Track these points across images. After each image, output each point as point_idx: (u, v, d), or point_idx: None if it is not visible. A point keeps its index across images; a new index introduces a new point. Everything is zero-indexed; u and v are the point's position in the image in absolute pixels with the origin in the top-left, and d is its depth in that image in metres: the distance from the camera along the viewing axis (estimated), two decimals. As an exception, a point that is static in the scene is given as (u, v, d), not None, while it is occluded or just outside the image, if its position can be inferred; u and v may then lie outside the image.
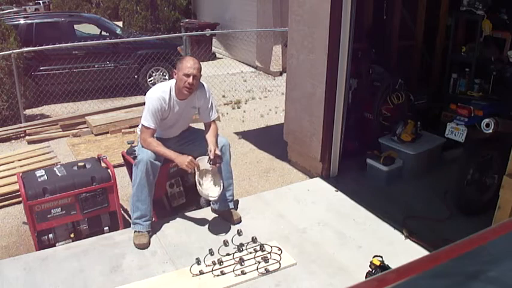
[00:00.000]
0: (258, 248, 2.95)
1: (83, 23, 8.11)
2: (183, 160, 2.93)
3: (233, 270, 2.73)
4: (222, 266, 2.76)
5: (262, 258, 2.84)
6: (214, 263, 2.78)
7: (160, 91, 2.98)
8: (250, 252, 2.91)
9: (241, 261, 2.81)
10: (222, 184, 3.06)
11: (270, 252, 2.90)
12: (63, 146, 5.17)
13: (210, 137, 3.10)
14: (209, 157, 2.98)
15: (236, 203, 3.45)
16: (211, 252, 2.91)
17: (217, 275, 2.70)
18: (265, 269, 2.74)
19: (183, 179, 3.48)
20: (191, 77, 2.91)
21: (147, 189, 2.99)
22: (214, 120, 3.21)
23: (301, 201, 3.63)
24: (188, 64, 2.92)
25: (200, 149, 3.12)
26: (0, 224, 3.56)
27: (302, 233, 3.18)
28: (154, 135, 3.03)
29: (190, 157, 2.95)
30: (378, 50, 4.59)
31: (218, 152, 3.01)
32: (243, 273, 2.71)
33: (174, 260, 2.88)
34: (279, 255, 2.88)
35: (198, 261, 2.81)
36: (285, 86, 4.48)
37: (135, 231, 3.07)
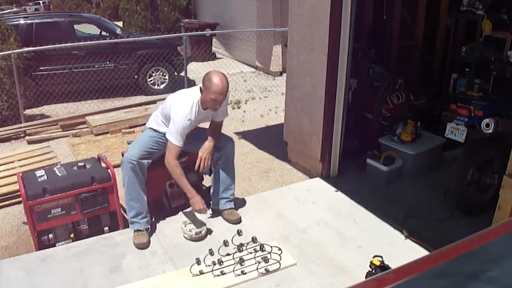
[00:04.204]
0: (258, 248, 2.95)
1: (83, 23, 8.11)
2: (197, 202, 3.01)
3: (233, 270, 2.73)
4: (222, 266, 2.76)
5: (262, 258, 2.84)
6: (214, 263, 2.78)
7: (190, 104, 2.93)
8: (250, 252, 2.91)
9: (241, 261, 2.81)
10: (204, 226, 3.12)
11: (270, 252, 2.90)
12: (63, 146, 5.17)
13: (210, 132, 3.13)
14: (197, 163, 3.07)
15: (236, 203, 3.45)
16: (211, 252, 2.91)
17: (217, 275, 2.70)
18: (265, 269, 2.75)
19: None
20: (219, 102, 2.93)
21: (138, 186, 3.00)
22: None
23: (301, 201, 3.63)
24: (217, 89, 2.85)
25: (199, 147, 3.14)
26: (0, 224, 3.56)
27: (302, 233, 3.18)
28: (165, 131, 3.03)
29: (203, 202, 3.03)
30: (377, 50, 4.59)
31: (205, 163, 3.08)
32: (243, 273, 2.71)
33: (174, 260, 2.88)
34: (279, 255, 2.88)
35: (198, 261, 2.81)
36: (285, 86, 4.48)
37: (134, 231, 3.07)
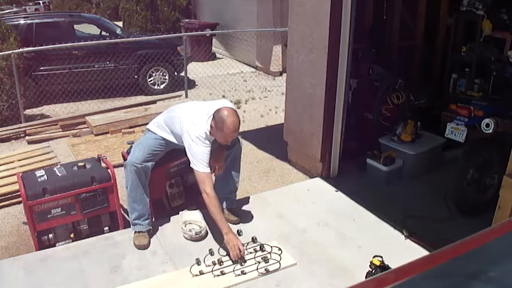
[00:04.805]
0: (258, 248, 2.95)
1: (83, 23, 8.11)
2: (232, 239, 2.77)
3: (233, 271, 2.73)
4: (222, 266, 2.76)
5: (262, 258, 2.84)
6: (214, 263, 2.78)
7: (203, 135, 2.79)
8: (251, 253, 2.91)
9: (241, 261, 2.80)
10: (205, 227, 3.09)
11: (270, 252, 2.90)
12: (63, 146, 5.17)
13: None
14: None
15: (236, 203, 3.45)
16: (211, 252, 2.90)
17: (217, 275, 2.69)
18: (265, 269, 2.74)
19: (183, 179, 3.48)
20: (230, 140, 2.91)
21: (141, 189, 2.99)
22: None
23: (301, 201, 3.63)
24: (229, 131, 2.77)
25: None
26: (0, 224, 3.56)
27: (302, 233, 3.18)
28: (169, 139, 3.00)
29: (240, 242, 2.80)
30: (377, 50, 4.59)
31: (220, 168, 3.04)
32: (243, 273, 2.71)
33: (174, 260, 2.88)
34: (279, 255, 2.88)
35: (198, 262, 2.81)
36: (285, 86, 4.48)
37: (135, 232, 3.07)
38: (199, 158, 2.78)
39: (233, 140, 3.18)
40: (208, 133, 2.82)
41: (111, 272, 2.77)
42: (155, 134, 3.07)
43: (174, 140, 3.03)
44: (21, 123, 5.59)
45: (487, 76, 4.44)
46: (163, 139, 3.05)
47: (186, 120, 2.86)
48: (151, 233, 3.13)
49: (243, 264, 2.79)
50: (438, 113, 4.39)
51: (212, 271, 2.72)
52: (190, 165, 2.84)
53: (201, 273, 2.71)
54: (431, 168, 4.09)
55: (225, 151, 3.09)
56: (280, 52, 8.46)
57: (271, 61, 8.62)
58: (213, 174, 3.08)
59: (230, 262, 2.81)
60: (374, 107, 4.29)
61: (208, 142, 2.83)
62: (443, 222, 3.33)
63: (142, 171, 2.95)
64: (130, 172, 2.94)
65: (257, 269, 2.74)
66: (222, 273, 2.71)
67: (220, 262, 2.78)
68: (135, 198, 3.01)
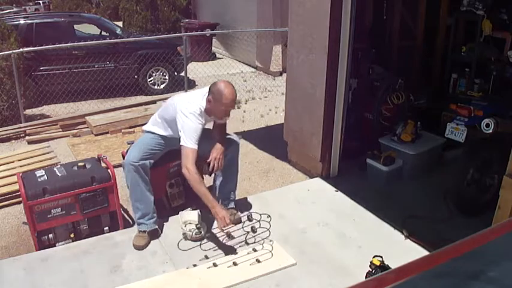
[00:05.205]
0: (245, 218, 3.16)
1: (83, 23, 8.11)
2: (219, 211, 2.77)
3: (227, 264, 2.80)
4: (214, 258, 2.83)
5: (251, 228, 3.09)
6: (215, 265, 2.79)
7: (197, 111, 2.86)
8: (239, 222, 3.06)
9: (230, 231, 2.98)
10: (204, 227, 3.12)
11: (259, 221, 3.09)
12: (63, 146, 5.17)
13: (218, 133, 3.11)
14: (207, 164, 3.01)
15: (236, 203, 3.45)
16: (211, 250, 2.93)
17: (209, 267, 2.75)
18: (256, 260, 2.81)
19: (183, 179, 3.48)
20: (229, 111, 2.92)
21: (141, 188, 2.98)
22: None
23: (301, 201, 3.63)
24: (228, 100, 2.84)
25: (205, 148, 3.14)
26: (0, 224, 3.56)
27: (302, 233, 3.18)
28: (165, 134, 3.03)
29: (227, 213, 2.83)
30: (377, 50, 4.59)
31: (219, 163, 3.01)
32: (234, 264, 2.78)
33: (174, 260, 2.88)
34: (269, 222, 3.06)
35: (199, 260, 2.82)
36: (285, 86, 4.48)
37: (139, 231, 3.07)
38: (189, 133, 2.82)
39: (231, 139, 3.18)
40: (204, 110, 2.89)
41: (111, 272, 2.77)
42: (152, 133, 3.09)
43: (170, 133, 3.04)
44: (21, 123, 5.59)
45: (487, 76, 4.44)
46: (161, 137, 3.07)
47: (180, 103, 2.93)
48: (156, 232, 3.12)
49: (233, 236, 2.97)
50: (438, 113, 4.39)
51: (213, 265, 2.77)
52: (180, 143, 2.86)
53: (194, 265, 2.77)
54: (431, 168, 4.09)
55: (224, 145, 3.08)
56: (280, 52, 8.46)
57: (271, 61, 8.62)
58: (215, 170, 3.08)
59: (223, 255, 2.86)
60: (374, 107, 4.29)
61: (202, 119, 2.88)
62: (443, 222, 3.33)
63: (141, 169, 2.95)
64: (129, 171, 2.94)
65: (248, 254, 2.85)
66: (214, 265, 2.76)
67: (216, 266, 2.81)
68: (136, 197, 3.01)
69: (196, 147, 2.84)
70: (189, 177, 2.80)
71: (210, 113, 2.94)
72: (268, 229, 3.09)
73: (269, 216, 3.06)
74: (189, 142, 2.82)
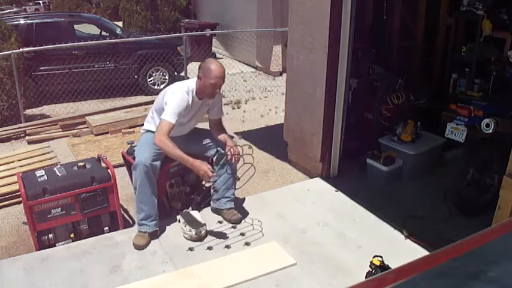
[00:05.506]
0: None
1: (83, 23, 8.11)
2: (199, 166, 2.81)
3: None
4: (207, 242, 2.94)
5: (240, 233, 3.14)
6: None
7: (185, 89, 2.97)
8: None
9: (213, 180, 3.07)
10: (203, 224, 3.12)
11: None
12: (63, 146, 5.17)
13: (222, 135, 3.14)
14: (226, 155, 3.03)
15: (236, 203, 3.45)
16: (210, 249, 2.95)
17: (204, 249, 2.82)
18: (245, 243, 2.97)
19: (183, 179, 3.48)
20: (218, 86, 2.95)
21: (149, 190, 2.98)
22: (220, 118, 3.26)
23: (301, 201, 3.63)
24: (217, 73, 2.91)
25: (206, 148, 3.14)
26: (0, 224, 3.56)
27: (302, 233, 3.18)
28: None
29: (207, 165, 2.85)
30: (377, 50, 4.59)
31: (239, 149, 3.05)
32: (227, 247, 2.94)
33: (174, 260, 2.88)
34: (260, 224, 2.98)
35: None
36: (285, 86, 4.48)
37: (139, 231, 3.07)
38: (171, 107, 2.87)
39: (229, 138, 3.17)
40: (194, 91, 2.97)
41: (111, 272, 2.77)
42: (152, 132, 3.09)
43: (181, 128, 3.08)
44: (21, 123, 5.58)
45: (487, 76, 4.44)
46: None
47: (170, 88, 3.03)
48: (156, 234, 3.11)
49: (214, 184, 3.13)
50: (438, 113, 4.39)
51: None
52: (161, 116, 2.88)
53: (191, 249, 2.93)
54: (431, 168, 4.09)
55: (231, 140, 3.13)
56: (280, 52, 8.46)
57: (271, 61, 8.62)
58: (234, 162, 3.09)
59: (223, 255, 2.90)
60: (374, 107, 4.29)
61: (188, 97, 2.95)
62: (443, 222, 3.33)
63: (152, 170, 2.95)
64: (140, 173, 2.92)
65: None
66: (209, 248, 2.92)
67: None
68: (142, 198, 3.00)
69: (174, 122, 2.87)
70: (162, 145, 2.83)
71: (201, 92, 2.99)
72: (261, 231, 3.09)
73: (259, 221, 3.11)
74: (167, 115, 2.86)
